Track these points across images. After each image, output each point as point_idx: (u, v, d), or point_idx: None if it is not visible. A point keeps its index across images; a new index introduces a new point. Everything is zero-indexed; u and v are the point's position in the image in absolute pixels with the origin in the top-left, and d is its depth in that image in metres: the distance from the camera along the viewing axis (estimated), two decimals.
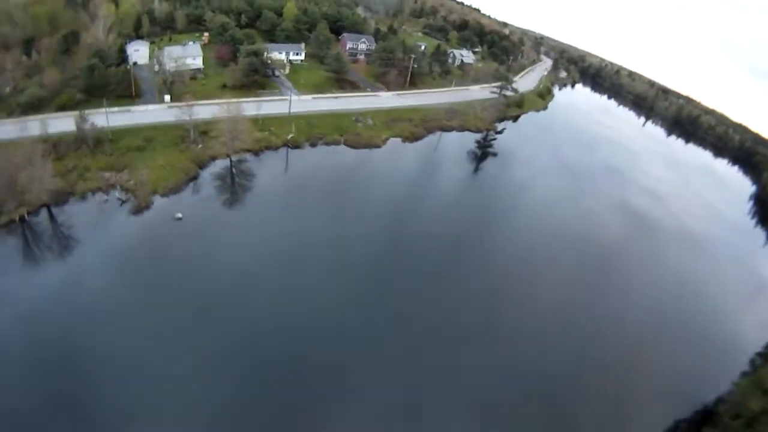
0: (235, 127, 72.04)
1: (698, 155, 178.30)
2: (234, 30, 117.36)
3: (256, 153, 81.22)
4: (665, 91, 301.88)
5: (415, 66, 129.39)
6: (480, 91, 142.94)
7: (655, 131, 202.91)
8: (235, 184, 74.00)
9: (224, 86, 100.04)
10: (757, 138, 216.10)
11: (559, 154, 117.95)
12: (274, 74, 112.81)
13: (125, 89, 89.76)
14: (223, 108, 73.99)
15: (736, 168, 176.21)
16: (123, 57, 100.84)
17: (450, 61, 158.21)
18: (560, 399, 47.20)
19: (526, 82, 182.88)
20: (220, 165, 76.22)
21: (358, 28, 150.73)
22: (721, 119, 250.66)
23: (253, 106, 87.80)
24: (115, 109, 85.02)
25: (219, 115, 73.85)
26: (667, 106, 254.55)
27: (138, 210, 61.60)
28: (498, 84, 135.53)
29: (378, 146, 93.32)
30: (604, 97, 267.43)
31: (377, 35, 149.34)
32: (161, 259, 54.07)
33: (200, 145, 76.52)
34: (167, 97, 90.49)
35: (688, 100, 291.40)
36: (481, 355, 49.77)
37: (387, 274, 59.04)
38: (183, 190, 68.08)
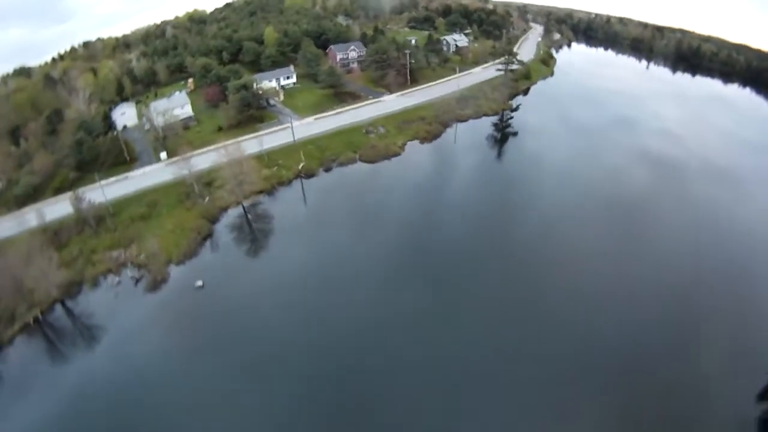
0: (239, 171, 64.59)
1: (707, 85, 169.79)
2: (217, 69, 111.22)
3: (269, 192, 73.59)
4: (659, 29, 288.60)
5: (412, 61, 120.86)
6: (484, 72, 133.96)
7: (660, 72, 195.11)
8: (253, 232, 66.40)
9: (220, 129, 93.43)
10: (761, 55, 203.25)
11: (573, 117, 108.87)
12: (268, 104, 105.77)
13: (117, 156, 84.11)
14: (222, 152, 66.64)
15: (748, 90, 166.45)
16: (109, 124, 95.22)
17: (445, 49, 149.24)
18: (640, 367, 41.72)
19: (524, 52, 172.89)
20: (232, 215, 68.86)
21: (343, 37, 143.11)
22: (722, 44, 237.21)
23: (254, 143, 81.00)
24: (112, 179, 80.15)
25: (220, 161, 66.49)
26: (665, 44, 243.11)
27: (154, 286, 55.71)
28: (502, 60, 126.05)
29: (397, 154, 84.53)
30: (601, 50, 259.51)
31: (365, 40, 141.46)
32: (190, 335, 47.90)
33: (207, 198, 69.23)
34: (163, 155, 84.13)
35: (684, 33, 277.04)
36: (545, 334, 45.40)
37: (434, 281, 53.06)
38: (198, 252, 61.28)
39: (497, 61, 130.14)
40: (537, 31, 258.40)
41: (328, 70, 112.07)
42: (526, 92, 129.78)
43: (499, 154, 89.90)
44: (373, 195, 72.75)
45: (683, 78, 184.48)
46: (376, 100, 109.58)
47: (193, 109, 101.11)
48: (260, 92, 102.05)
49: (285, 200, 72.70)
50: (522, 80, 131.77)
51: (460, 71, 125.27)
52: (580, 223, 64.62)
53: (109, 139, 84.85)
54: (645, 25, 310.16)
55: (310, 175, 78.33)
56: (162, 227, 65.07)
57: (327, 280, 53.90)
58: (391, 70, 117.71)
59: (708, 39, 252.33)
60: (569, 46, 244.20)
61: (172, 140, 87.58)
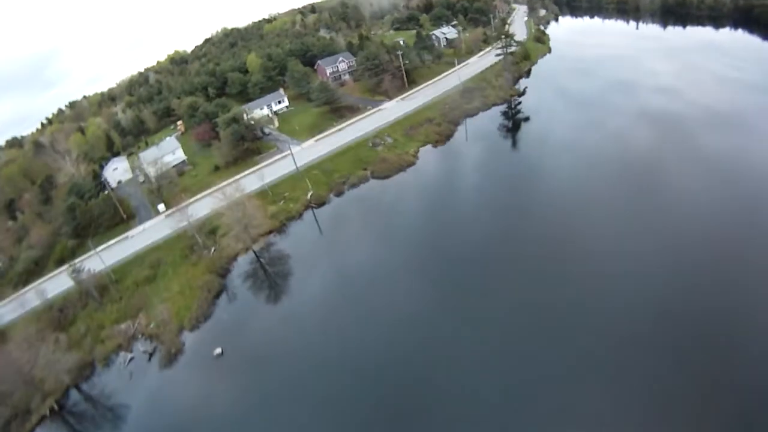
0: (243, 213, 57.71)
1: (699, 35, 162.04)
2: (204, 105, 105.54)
3: (279, 230, 66.66)
4: None
5: (406, 62, 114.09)
6: (481, 61, 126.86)
7: (651, 29, 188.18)
8: (269, 277, 59.33)
9: (216, 168, 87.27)
10: None
11: (579, 91, 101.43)
12: (263, 133, 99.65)
13: (113, 216, 78.36)
14: (221, 195, 60.07)
15: (739, 32, 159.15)
16: (100, 182, 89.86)
17: (436, 44, 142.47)
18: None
19: (515, 32, 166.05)
20: (243, 263, 62.13)
21: (329, 51, 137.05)
22: None
23: (254, 178, 74.91)
24: (113, 241, 75.30)
25: (219, 206, 59.83)
26: (650, 0, 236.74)
27: (169, 359, 50.03)
28: (500, 44, 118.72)
29: (411, 164, 77.06)
30: (588, 18, 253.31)
31: (352, 49, 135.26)
32: (215, 411, 41.84)
33: (213, 249, 62.61)
34: (161, 207, 78.32)
35: None
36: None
37: (480, 294, 47.04)
38: (212, 312, 54.88)
39: (494, 45, 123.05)
40: (521, 10, 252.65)
41: (319, 87, 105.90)
42: (528, 74, 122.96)
43: (516, 144, 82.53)
44: (394, 214, 65.35)
45: (675, 31, 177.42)
46: (377, 109, 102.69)
47: (185, 152, 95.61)
48: (252, 122, 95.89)
49: (298, 236, 65.75)
50: (523, 62, 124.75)
51: (457, 63, 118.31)
52: (614, 195, 58.24)
53: (101, 200, 79.27)
54: None
55: (320, 203, 71.33)
56: (169, 289, 59.34)
57: (358, 318, 47.35)
58: (385, 75, 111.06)
59: None
60: (557, 20, 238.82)
61: (168, 189, 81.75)
